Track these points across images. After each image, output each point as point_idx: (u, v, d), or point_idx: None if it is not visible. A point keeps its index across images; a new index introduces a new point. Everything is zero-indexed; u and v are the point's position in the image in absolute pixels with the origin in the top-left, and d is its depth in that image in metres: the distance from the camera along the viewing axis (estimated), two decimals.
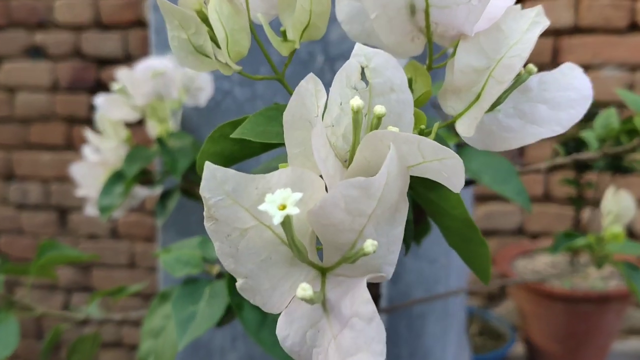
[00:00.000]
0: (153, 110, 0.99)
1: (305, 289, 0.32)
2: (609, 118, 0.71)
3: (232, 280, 0.64)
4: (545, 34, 1.70)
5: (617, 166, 0.91)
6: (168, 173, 0.98)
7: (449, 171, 0.34)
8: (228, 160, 0.47)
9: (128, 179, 0.96)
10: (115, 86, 0.96)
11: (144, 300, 1.87)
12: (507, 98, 0.41)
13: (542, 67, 0.42)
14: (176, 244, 0.78)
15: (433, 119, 0.58)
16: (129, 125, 1.03)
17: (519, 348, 1.68)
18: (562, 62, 0.44)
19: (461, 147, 0.71)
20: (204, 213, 0.34)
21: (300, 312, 0.35)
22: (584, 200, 1.52)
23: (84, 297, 1.94)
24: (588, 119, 0.57)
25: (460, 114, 0.41)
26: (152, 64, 0.96)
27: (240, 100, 0.99)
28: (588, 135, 0.73)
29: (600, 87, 1.64)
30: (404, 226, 0.36)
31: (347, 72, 0.37)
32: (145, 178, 1.03)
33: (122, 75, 0.97)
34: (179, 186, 1.00)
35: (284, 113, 0.37)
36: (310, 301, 0.32)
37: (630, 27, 1.67)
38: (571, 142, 1.17)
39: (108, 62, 1.85)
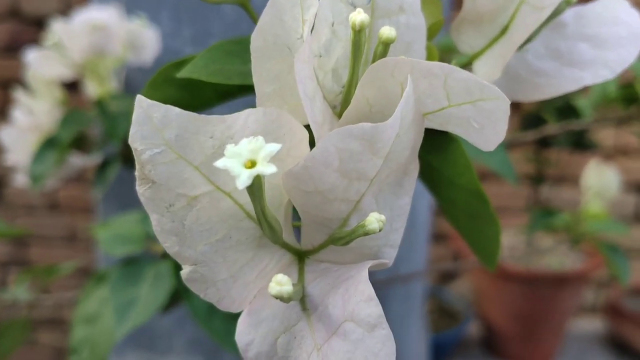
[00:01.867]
0: (92, 68, 0.86)
1: (281, 283, 0.22)
2: (606, 84, 0.62)
3: None
4: None
5: (577, 142, 0.84)
6: (108, 139, 0.87)
7: (485, 119, 0.24)
8: None
9: (63, 144, 0.85)
10: (49, 40, 0.83)
11: (86, 278, 1.74)
12: (537, 36, 0.31)
13: None
14: (116, 219, 0.68)
15: None
16: (65, 85, 0.90)
17: (475, 327, 1.62)
18: None
19: None
20: (136, 173, 0.24)
21: (270, 311, 0.25)
22: (543, 177, 1.46)
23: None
24: None
25: (480, 52, 0.31)
26: (92, 15, 0.83)
27: None
28: (582, 103, 0.64)
29: None
30: (411, 195, 0.27)
31: None
32: (82, 144, 0.91)
33: (58, 27, 0.84)
34: (120, 153, 0.88)
35: (252, 36, 0.26)
36: (286, 299, 0.22)
37: None
38: (532, 117, 1.09)
39: (47, 23, 1.69)
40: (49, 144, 0.87)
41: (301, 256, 0.27)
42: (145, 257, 0.62)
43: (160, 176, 0.23)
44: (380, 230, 0.23)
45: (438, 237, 1.69)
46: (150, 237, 0.62)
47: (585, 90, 0.66)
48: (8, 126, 0.90)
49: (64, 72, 0.87)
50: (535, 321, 1.44)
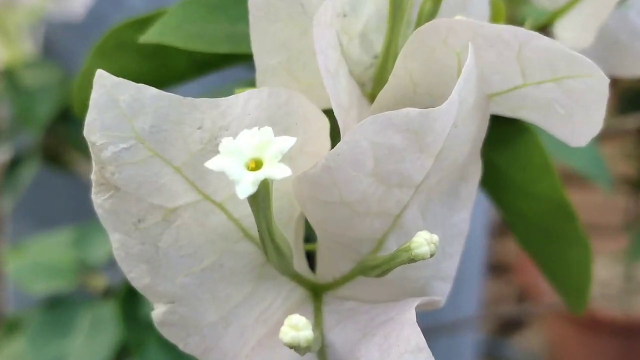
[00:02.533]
0: None
1: (297, 326, 0.24)
2: None
3: (128, 300, 0.59)
4: None
5: None
6: (21, 125, 0.90)
7: (573, 103, 0.26)
8: None
9: None
10: None
11: None
12: None
13: None
14: (34, 241, 0.71)
15: None
16: None
17: None
18: None
19: None
20: (92, 176, 0.26)
21: None
22: None
23: None
24: None
25: (565, 8, 0.33)
26: None
27: (138, 12, 0.91)
28: None
29: None
30: (471, 209, 0.29)
31: None
32: None
33: None
34: (38, 147, 0.91)
35: None
36: (303, 349, 0.24)
37: None
38: (632, 97, 1.12)
39: None
40: None
41: (317, 292, 0.29)
42: (79, 297, 0.64)
43: (128, 181, 0.25)
44: (431, 256, 0.25)
45: (497, 269, 1.72)
46: (87, 267, 0.65)
47: None
48: None
49: None
50: None
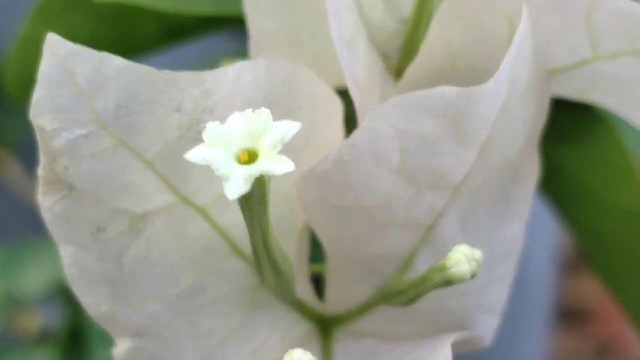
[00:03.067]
0: None
1: None
2: None
3: (71, 346, 0.60)
4: None
5: None
6: None
7: None
8: None
9: None
10: None
11: None
12: None
13: None
14: None
15: None
16: None
17: None
18: None
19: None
20: (39, 172, 0.28)
21: None
22: None
23: None
24: None
25: None
26: None
27: None
28: None
29: None
30: (524, 221, 0.31)
31: None
32: None
33: None
34: None
35: None
36: None
37: None
38: None
39: None
40: None
41: (326, 326, 0.31)
42: (5, 341, 0.66)
43: (86, 177, 0.27)
44: (472, 277, 0.26)
45: (571, 317, 1.73)
46: (15, 303, 0.67)
47: None
48: None
49: None
50: None
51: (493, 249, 0.30)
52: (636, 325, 0.41)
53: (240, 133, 0.25)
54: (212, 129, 0.25)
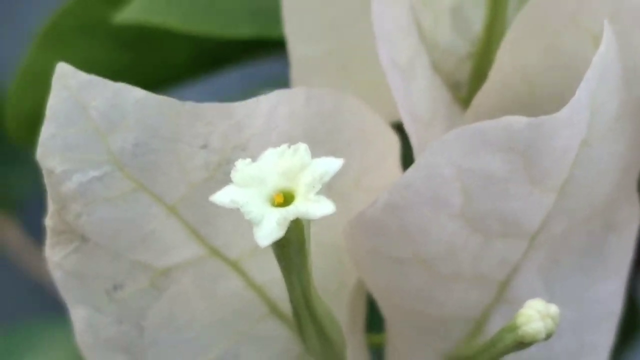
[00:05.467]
0: None
1: None
2: None
3: None
4: None
5: None
6: None
7: None
8: None
9: None
10: None
11: None
12: None
13: None
14: None
15: None
16: None
17: None
18: None
19: None
20: (47, 221, 0.32)
21: None
22: None
23: None
24: None
25: None
26: None
27: None
28: None
29: None
30: (625, 277, 0.34)
31: None
32: None
33: None
34: None
35: None
36: None
37: None
38: None
39: None
40: None
41: None
42: None
43: (101, 226, 0.31)
44: (547, 336, 0.29)
45: None
46: None
47: None
48: None
49: None
50: None
51: (584, 311, 0.32)
52: None
53: (275, 172, 0.28)
54: (242, 168, 0.28)
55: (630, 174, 0.32)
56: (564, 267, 0.32)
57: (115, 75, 0.43)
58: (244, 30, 0.38)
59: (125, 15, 0.38)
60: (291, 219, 0.27)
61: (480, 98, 0.33)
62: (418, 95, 0.31)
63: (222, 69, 0.44)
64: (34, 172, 0.35)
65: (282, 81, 0.37)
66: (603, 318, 0.32)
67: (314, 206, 0.27)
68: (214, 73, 0.44)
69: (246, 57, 0.42)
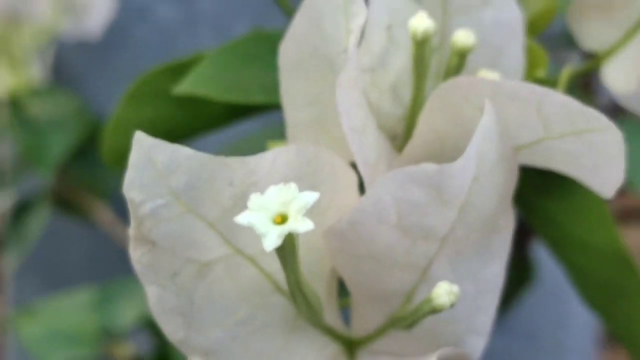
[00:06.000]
0: (0, 44, 0.95)
1: None
2: None
3: None
4: None
5: None
6: (29, 165, 0.96)
7: (596, 156, 0.35)
8: (165, 136, 0.47)
9: None
10: None
11: None
12: None
13: None
14: (47, 304, 0.78)
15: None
16: None
17: None
18: None
19: None
20: (130, 232, 0.35)
21: None
22: None
23: None
24: None
25: (612, 50, 0.41)
26: None
27: (167, 27, 0.94)
28: None
29: None
30: (505, 260, 0.37)
31: None
32: None
33: None
34: (48, 192, 0.98)
35: (282, 46, 0.37)
36: None
37: None
38: None
39: None
40: None
41: (352, 346, 0.37)
42: None
43: (164, 236, 0.34)
44: (451, 306, 0.32)
45: (611, 339, 1.74)
46: (110, 334, 0.72)
47: None
48: None
49: None
50: None
51: (479, 285, 0.35)
52: (617, 339, 0.46)
53: (275, 202, 0.31)
54: (254, 199, 0.31)
55: (507, 195, 0.35)
56: (464, 257, 0.34)
57: (172, 124, 0.46)
58: (257, 98, 0.41)
59: (181, 88, 0.41)
60: (286, 233, 0.30)
61: (408, 149, 0.36)
62: (367, 147, 0.34)
63: (243, 120, 0.47)
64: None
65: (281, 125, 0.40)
66: (491, 289, 0.35)
67: (300, 224, 0.30)
68: (238, 122, 0.47)
69: (259, 112, 0.45)
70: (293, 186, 0.31)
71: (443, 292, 0.33)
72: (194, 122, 0.46)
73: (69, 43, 0.99)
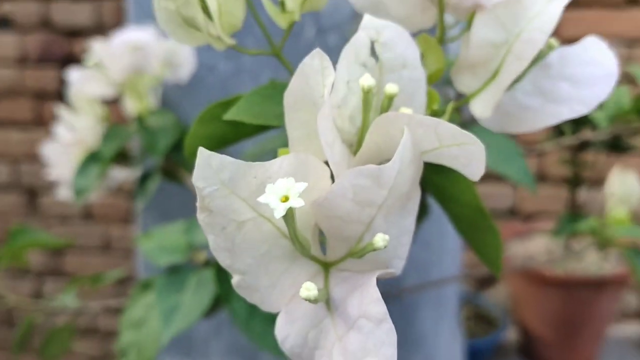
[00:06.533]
0: (131, 86, 0.95)
1: (309, 289, 0.30)
2: (620, 96, 0.69)
3: (220, 269, 0.62)
4: None
5: (616, 145, 0.90)
6: (147, 153, 0.95)
7: (468, 158, 0.32)
8: (220, 142, 0.45)
9: (105, 159, 0.94)
10: (89, 60, 0.92)
11: (120, 286, 1.85)
12: (526, 75, 0.39)
13: None
14: (158, 230, 0.76)
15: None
16: (105, 102, 1.00)
17: (512, 333, 1.68)
18: (560, 36, 0.42)
19: (464, 127, 0.69)
20: (197, 204, 0.32)
21: (302, 311, 0.34)
22: (580, 180, 1.51)
23: (57, 282, 1.91)
24: None
25: (476, 93, 0.39)
26: (131, 36, 0.92)
27: (224, 75, 0.96)
28: (598, 115, 0.71)
29: None
30: (415, 216, 0.35)
31: (356, 47, 0.35)
32: (123, 159, 1.00)
33: (97, 48, 0.93)
34: (159, 167, 0.97)
35: (285, 94, 0.34)
36: (314, 301, 0.30)
37: (628, 1, 1.66)
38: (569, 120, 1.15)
39: (79, 33, 1.80)
40: (92, 159, 0.96)
41: (327, 267, 0.35)
42: (188, 266, 0.69)
43: (217, 207, 0.32)
44: (385, 247, 0.31)
45: None
46: (193, 247, 0.71)
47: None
48: (51, 142, 1.00)
49: (105, 90, 0.96)
50: (574, 326, 1.49)
51: (400, 230, 0.33)
52: (476, 254, 0.44)
53: (281, 188, 0.29)
54: (269, 187, 0.29)
55: (417, 179, 0.33)
56: (392, 215, 0.32)
57: (224, 136, 0.44)
58: (273, 122, 0.38)
59: (227, 116, 0.38)
60: (288, 207, 0.28)
61: (360, 154, 0.33)
62: (336, 153, 0.31)
63: (264, 132, 0.44)
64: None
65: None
66: (408, 232, 0.33)
67: (296, 202, 0.28)
68: (261, 133, 0.44)
69: (275, 128, 0.41)
70: (292, 180, 0.29)
71: (380, 239, 0.31)
72: (236, 134, 0.44)
73: (170, 84, 0.99)
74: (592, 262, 1.52)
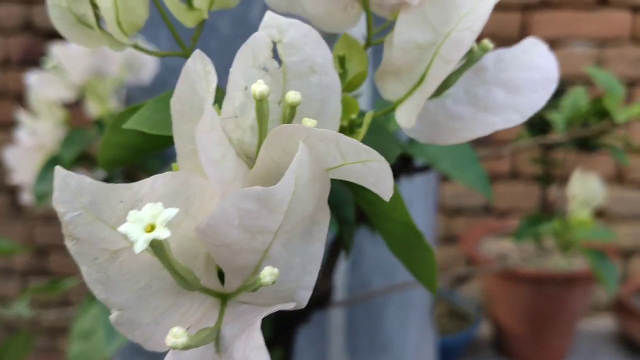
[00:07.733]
0: (92, 89, 0.90)
1: (176, 335, 0.24)
2: (577, 99, 0.64)
3: None
4: (513, 8, 1.62)
5: (583, 144, 0.85)
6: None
7: (374, 176, 0.27)
8: (136, 151, 0.39)
9: (65, 163, 0.88)
10: (48, 63, 0.87)
11: None
12: (459, 80, 0.33)
13: (509, 44, 0.34)
14: None
15: (381, 103, 0.50)
16: (68, 105, 0.94)
17: (485, 329, 1.63)
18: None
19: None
20: (63, 230, 0.26)
21: (190, 353, 0.28)
22: (550, 178, 1.46)
23: (42, 282, 1.84)
24: (555, 95, 0.50)
25: (401, 100, 0.33)
26: None
27: None
28: (555, 117, 0.66)
29: (570, 63, 1.57)
30: (324, 241, 0.29)
31: (254, 47, 0.29)
32: (86, 162, 0.94)
33: (57, 51, 0.88)
34: (122, 171, 0.91)
35: (171, 101, 0.28)
36: (182, 349, 0.25)
37: (599, 2, 1.60)
38: (537, 120, 1.10)
39: (61, 36, 1.73)
40: (52, 163, 0.90)
41: (225, 298, 0.29)
42: None
43: (82, 234, 0.26)
44: (273, 283, 0.25)
45: (449, 240, 1.70)
46: None
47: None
48: (13, 146, 0.94)
49: (65, 93, 0.91)
50: (545, 321, 1.45)
51: (304, 258, 0.28)
52: (410, 272, 0.39)
53: (148, 215, 0.23)
54: (132, 214, 0.23)
55: (323, 199, 0.27)
56: (294, 241, 0.27)
57: (137, 145, 0.38)
58: (165, 132, 0.33)
59: (127, 124, 0.34)
60: (151, 239, 0.22)
61: (255, 170, 0.28)
62: (226, 170, 0.27)
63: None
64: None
65: None
66: (314, 259, 0.28)
67: (161, 233, 0.22)
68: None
69: None
70: (159, 204, 0.24)
71: (267, 274, 0.26)
72: (149, 144, 0.38)
73: (131, 86, 0.95)
74: (563, 259, 1.47)
